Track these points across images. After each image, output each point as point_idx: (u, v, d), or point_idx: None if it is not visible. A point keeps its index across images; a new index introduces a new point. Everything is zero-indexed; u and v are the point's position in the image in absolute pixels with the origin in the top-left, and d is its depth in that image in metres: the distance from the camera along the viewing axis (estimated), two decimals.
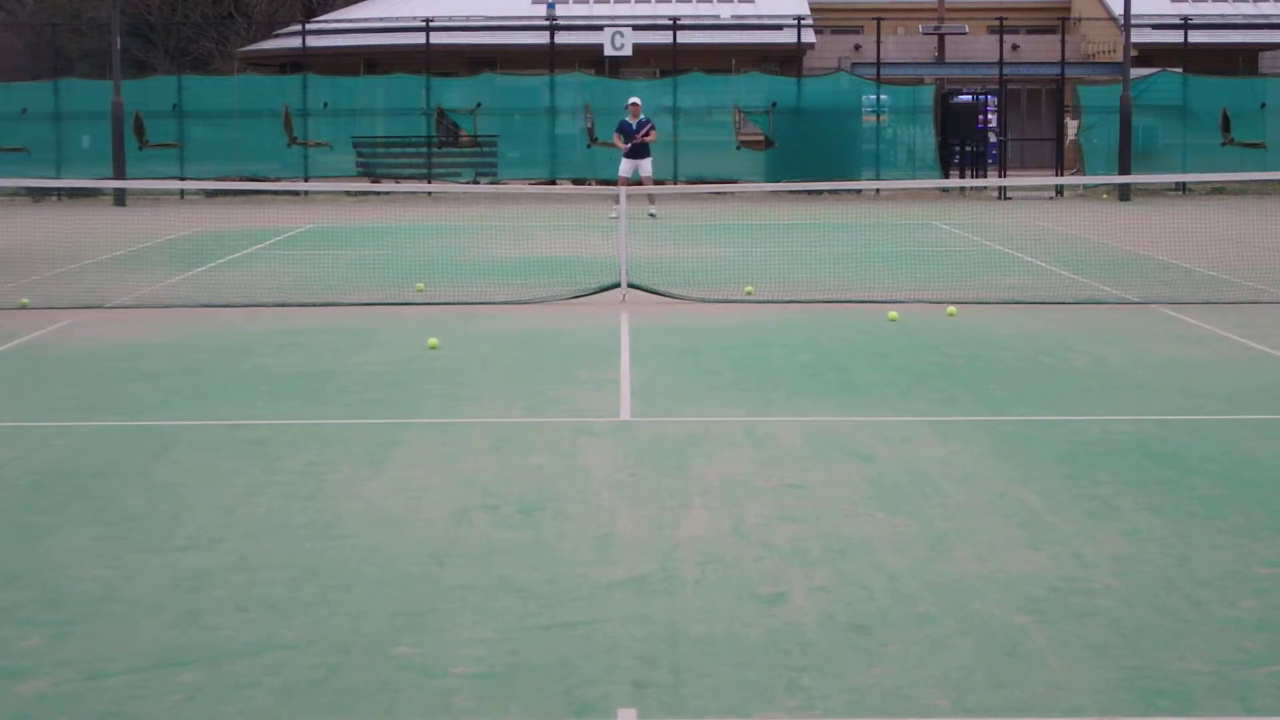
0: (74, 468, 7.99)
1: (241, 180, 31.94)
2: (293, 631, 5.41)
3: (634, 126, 26.32)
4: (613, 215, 25.29)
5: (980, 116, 37.01)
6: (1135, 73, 32.91)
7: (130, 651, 5.21)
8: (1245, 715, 4.64)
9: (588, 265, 17.10)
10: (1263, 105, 33.37)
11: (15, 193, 32.51)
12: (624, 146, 26.37)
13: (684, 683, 4.91)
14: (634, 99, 27.20)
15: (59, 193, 31.96)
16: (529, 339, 12.42)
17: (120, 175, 30.21)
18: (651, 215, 25.53)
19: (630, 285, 14.96)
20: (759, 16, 41.36)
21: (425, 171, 33.64)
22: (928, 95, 34.48)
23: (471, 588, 5.90)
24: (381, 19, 41.99)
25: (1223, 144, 33.19)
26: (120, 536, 6.69)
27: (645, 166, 26.44)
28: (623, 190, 22.40)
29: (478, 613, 5.60)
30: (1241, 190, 32.83)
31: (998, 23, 35.52)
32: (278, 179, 33.08)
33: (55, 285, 16.23)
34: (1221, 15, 41.79)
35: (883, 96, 34.06)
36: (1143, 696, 4.78)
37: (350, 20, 43.32)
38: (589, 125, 33.73)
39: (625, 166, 26.33)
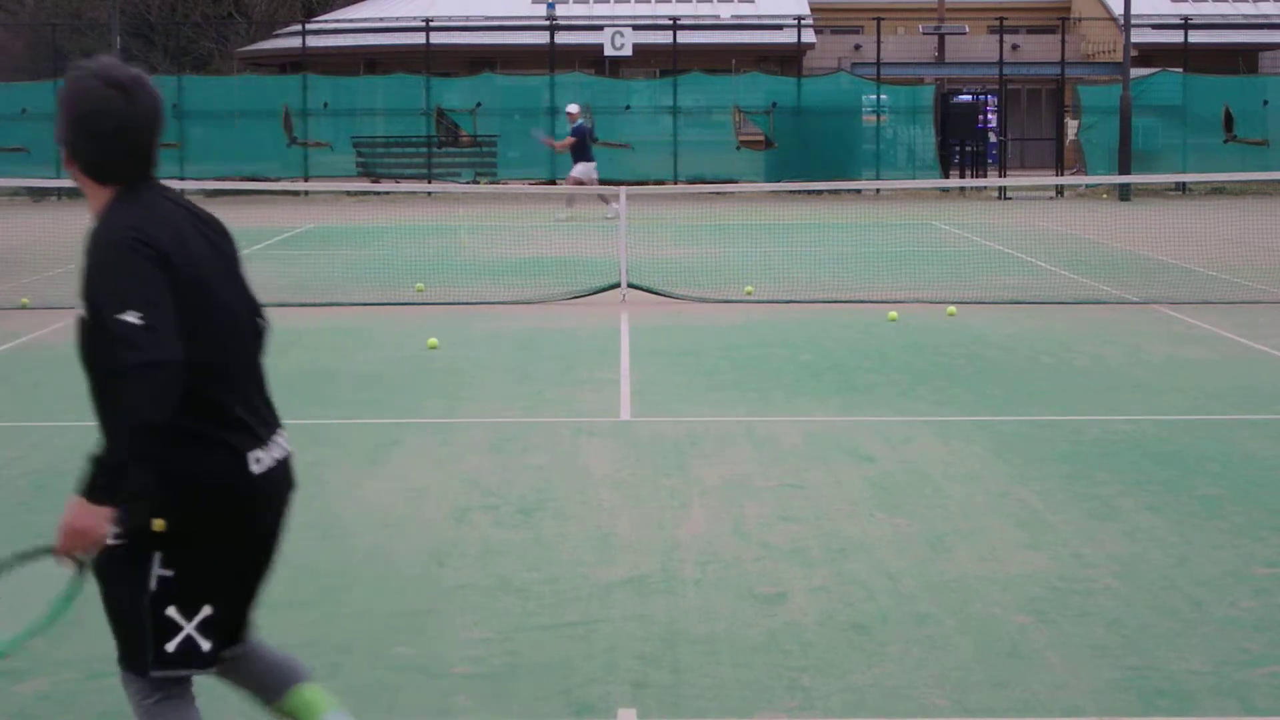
0: (74, 468, 7.92)
1: (241, 180, 31.93)
2: (293, 631, 5.40)
3: (569, 132, 26.34)
4: (610, 215, 25.34)
5: (980, 116, 37.00)
6: (1135, 73, 32.90)
7: None
8: (1245, 715, 4.65)
9: (588, 265, 17.10)
10: (1265, 103, 33.36)
11: (15, 193, 32.50)
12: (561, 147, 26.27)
13: (684, 683, 4.90)
14: (570, 106, 27.18)
15: (59, 193, 31.92)
16: (529, 339, 12.42)
17: None
18: (561, 220, 25.52)
19: (630, 285, 14.96)
20: (759, 16, 41.35)
21: (425, 171, 33.64)
22: (928, 95, 34.48)
23: (471, 588, 5.90)
24: (381, 19, 41.98)
25: (1225, 141, 33.19)
26: None
27: (579, 170, 26.52)
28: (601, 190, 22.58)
29: (478, 613, 5.60)
30: (1242, 190, 32.82)
31: (998, 23, 35.52)
32: (278, 179, 33.07)
33: (55, 285, 16.21)
34: (1221, 15, 41.78)
35: (883, 96, 34.06)
36: (1143, 696, 4.78)
37: (350, 20, 43.33)
38: (589, 125, 33.71)
39: (585, 169, 26.35)
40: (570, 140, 26.54)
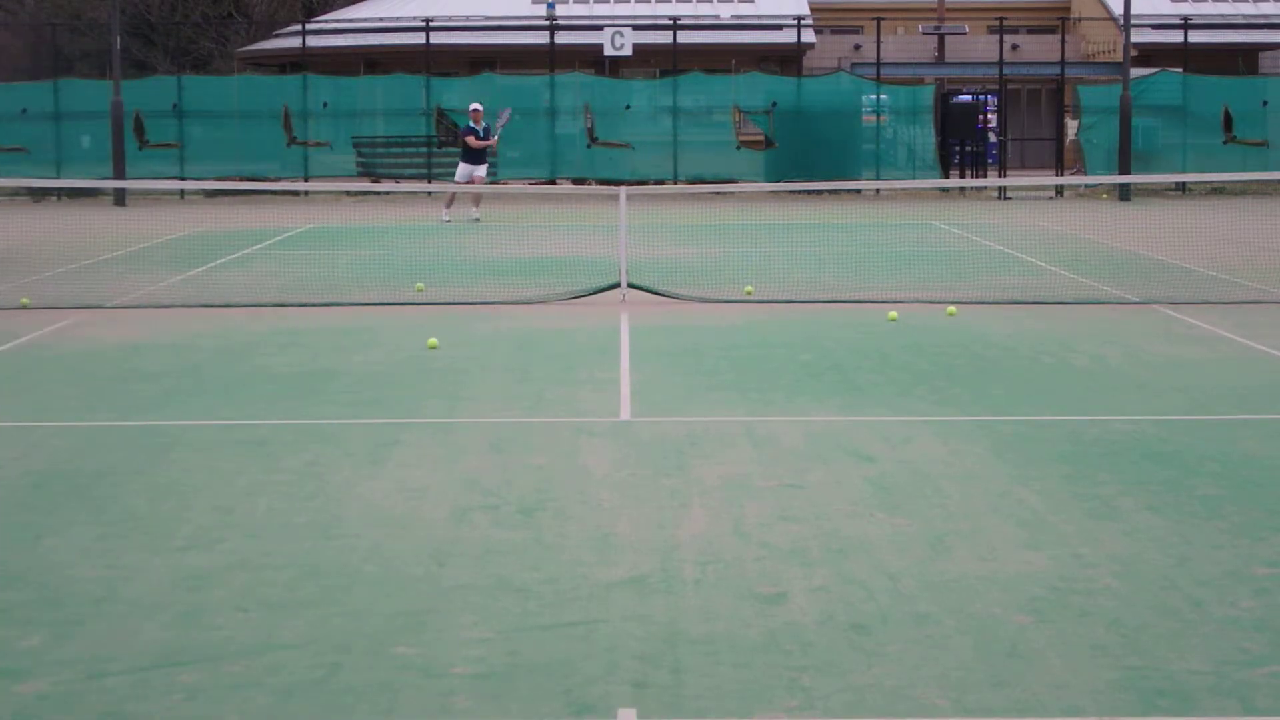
0: (74, 468, 7.99)
1: (241, 180, 31.94)
2: (293, 631, 5.41)
3: (481, 133, 26.15)
4: (476, 216, 25.38)
5: (980, 116, 37.00)
6: (1135, 73, 32.89)
7: (130, 651, 5.21)
8: (1245, 715, 4.64)
9: (588, 265, 17.10)
10: (1264, 104, 33.36)
11: (15, 193, 32.51)
12: (484, 144, 26.11)
13: (684, 683, 4.91)
14: (475, 105, 27.03)
15: (59, 193, 31.95)
16: (529, 339, 12.42)
17: (120, 175, 30.22)
18: (476, 219, 25.50)
19: (630, 285, 14.96)
20: (759, 16, 41.35)
21: (425, 171, 33.64)
22: (928, 95, 34.47)
23: (471, 588, 5.90)
24: (381, 19, 41.98)
25: (1225, 142, 33.18)
26: (120, 536, 6.69)
27: (481, 171, 26.38)
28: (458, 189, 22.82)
29: (478, 613, 5.60)
30: (1242, 190, 32.83)
31: (998, 23, 35.52)
32: (278, 179, 33.08)
33: (55, 285, 16.23)
34: (1221, 15, 41.78)
35: (883, 96, 34.05)
36: (1143, 696, 4.78)
37: (350, 20, 43.32)
38: (589, 125, 33.74)
39: (469, 170, 26.18)
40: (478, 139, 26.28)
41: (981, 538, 6.57)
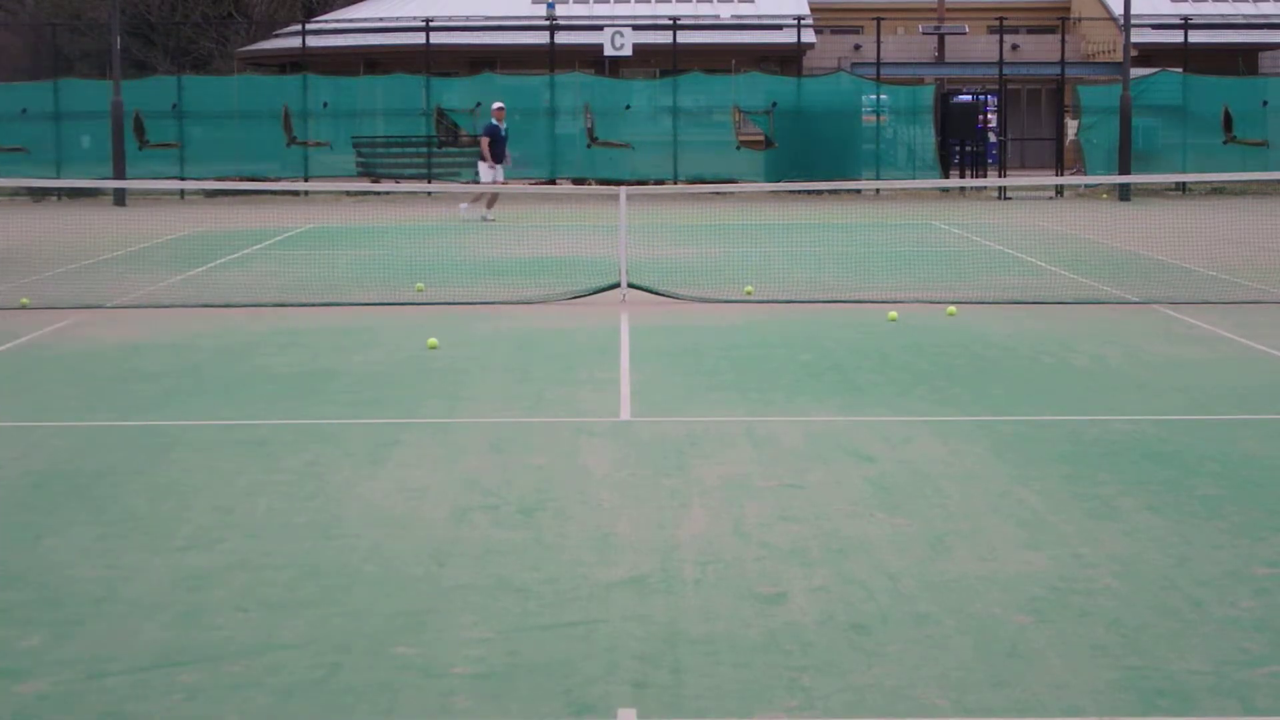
0: (74, 468, 7.99)
1: (241, 180, 31.94)
2: (293, 631, 5.41)
3: (503, 132, 26.13)
4: (490, 218, 25.38)
5: (980, 116, 37.00)
6: (1135, 73, 32.90)
7: (130, 651, 5.21)
8: (1245, 715, 4.65)
9: (588, 265, 17.11)
10: (1264, 104, 33.36)
11: (15, 193, 32.52)
12: (496, 155, 26.10)
13: (684, 683, 4.91)
14: (499, 104, 26.97)
15: (59, 193, 31.96)
16: (529, 339, 12.42)
17: (120, 175, 30.22)
18: (491, 220, 25.53)
19: (630, 285, 14.96)
20: (759, 16, 41.35)
21: (425, 171, 33.64)
22: (928, 95, 34.48)
23: (471, 588, 5.90)
24: (381, 19, 41.98)
25: (1225, 142, 33.18)
26: (120, 536, 6.69)
27: (501, 172, 26.39)
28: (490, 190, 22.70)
29: (478, 613, 5.60)
30: (1241, 190, 32.84)
31: (998, 23, 35.52)
32: (278, 179, 33.09)
33: (55, 285, 16.23)
34: (1221, 15, 41.78)
35: (883, 96, 34.06)
36: (1143, 696, 4.78)
37: (350, 20, 43.32)
38: (589, 125, 33.74)
39: (493, 172, 26.08)
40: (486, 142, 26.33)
41: (981, 538, 6.57)
